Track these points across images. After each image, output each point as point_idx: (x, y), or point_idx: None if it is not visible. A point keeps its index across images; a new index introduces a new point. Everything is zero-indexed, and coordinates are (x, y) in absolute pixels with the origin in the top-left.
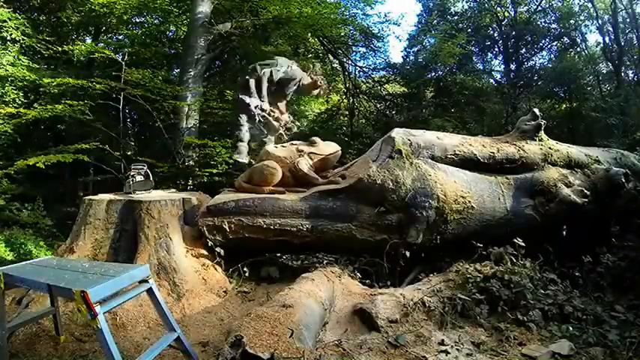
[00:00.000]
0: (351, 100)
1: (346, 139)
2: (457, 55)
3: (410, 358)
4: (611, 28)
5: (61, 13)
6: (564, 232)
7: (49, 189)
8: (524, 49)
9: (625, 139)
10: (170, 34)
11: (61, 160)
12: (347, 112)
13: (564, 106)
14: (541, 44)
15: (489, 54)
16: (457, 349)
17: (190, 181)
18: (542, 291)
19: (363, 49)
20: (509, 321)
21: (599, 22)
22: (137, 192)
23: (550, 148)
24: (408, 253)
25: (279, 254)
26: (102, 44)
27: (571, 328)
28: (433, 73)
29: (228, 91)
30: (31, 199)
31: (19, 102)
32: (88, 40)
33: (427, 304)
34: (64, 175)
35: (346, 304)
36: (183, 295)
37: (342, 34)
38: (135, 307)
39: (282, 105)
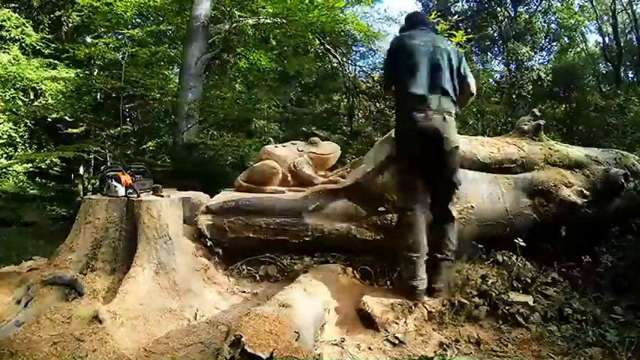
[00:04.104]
0: (350, 100)
1: (346, 138)
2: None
3: (409, 358)
4: (610, 29)
5: (61, 12)
6: (564, 233)
7: (48, 189)
8: (524, 49)
9: (625, 139)
10: (170, 33)
11: (61, 154)
12: (346, 112)
13: (564, 106)
14: (541, 44)
15: (489, 54)
16: (457, 349)
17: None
18: (542, 291)
19: (363, 49)
20: (509, 321)
21: (599, 22)
22: (130, 194)
23: (550, 148)
24: None
25: (278, 254)
26: (102, 43)
27: (570, 328)
28: None
29: (226, 90)
30: (30, 198)
31: (19, 101)
32: (88, 40)
33: (427, 304)
34: (63, 174)
35: (346, 304)
36: (183, 295)
37: (342, 32)
38: (135, 306)
39: None
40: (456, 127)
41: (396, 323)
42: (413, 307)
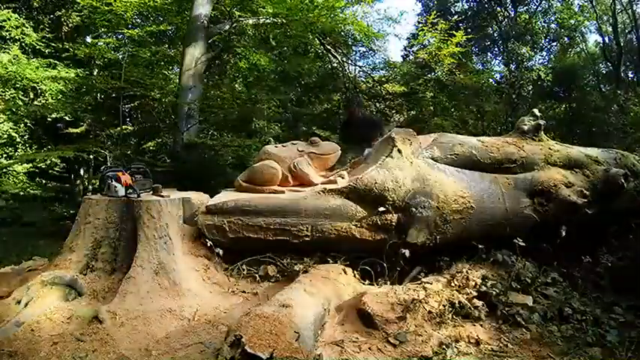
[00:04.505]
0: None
1: None
2: (457, 54)
3: (409, 357)
4: (610, 29)
5: (61, 13)
6: (564, 233)
7: (49, 189)
8: (524, 49)
9: (625, 139)
10: (170, 33)
11: (61, 154)
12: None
13: (564, 106)
14: (541, 44)
15: (489, 54)
16: (457, 349)
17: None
18: (542, 291)
19: (363, 49)
20: (509, 321)
21: (599, 22)
22: (130, 194)
23: (550, 148)
24: (407, 253)
25: (278, 254)
26: (102, 43)
27: (570, 328)
28: (433, 73)
29: (226, 90)
30: (31, 198)
31: (19, 101)
32: (88, 40)
33: (427, 304)
34: (63, 174)
35: (346, 304)
36: (183, 295)
37: (342, 32)
38: (135, 306)
39: None
40: None
41: (396, 323)
42: (413, 307)
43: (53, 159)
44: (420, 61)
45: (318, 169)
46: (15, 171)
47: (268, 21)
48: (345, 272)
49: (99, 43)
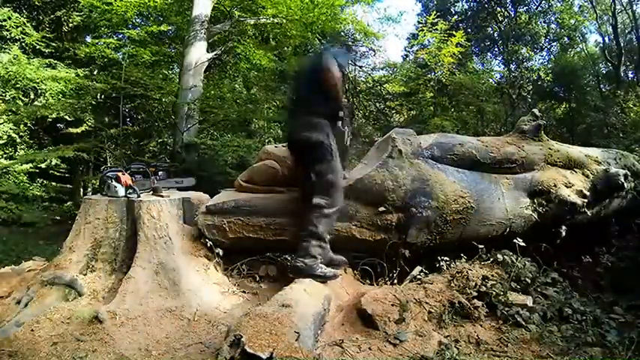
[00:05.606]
0: (350, 100)
1: None
2: (457, 54)
3: (409, 357)
4: (610, 29)
5: (61, 12)
6: (564, 233)
7: (49, 189)
8: (524, 49)
9: (625, 139)
10: (170, 33)
11: (61, 154)
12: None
13: (564, 106)
14: (541, 44)
15: (489, 54)
16: (457, 349)
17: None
18: (542, 291)
19: (363, 49)
20: (509, 321)
21: (599, 22)
22: (130, 194)
23: (550, 148)
24: (407, 253)
25: (279, 254)
26: (102, 43)
27: (570, 328)
28: (433, 73)
29: (226, 91)
30: (31, 198)
31: (20, 101)
32: (89, 39)
33: (427, 304)
34: (64, 174)
35: (346, 304)
36: (183, 295)
37: (342, 32)
38: (135, 306)
39: None
40: (317, 126)
41: (396, 323)
42: (413, 307)
43: (55, 160)
44: (420, 60)
45: None
46: (15, 171)
47: (268, 21)
48: (345, 272)
49: (99, 43)
